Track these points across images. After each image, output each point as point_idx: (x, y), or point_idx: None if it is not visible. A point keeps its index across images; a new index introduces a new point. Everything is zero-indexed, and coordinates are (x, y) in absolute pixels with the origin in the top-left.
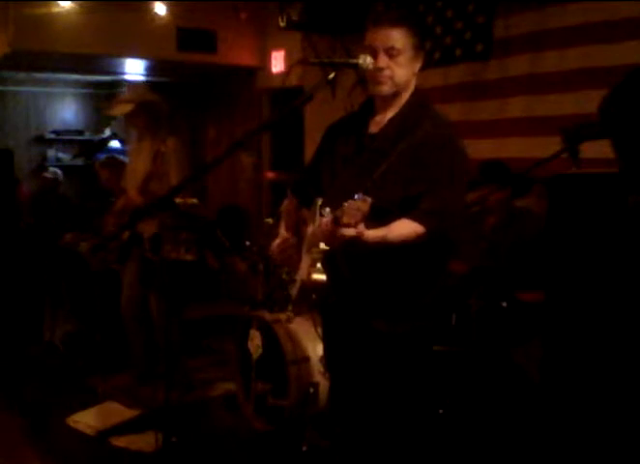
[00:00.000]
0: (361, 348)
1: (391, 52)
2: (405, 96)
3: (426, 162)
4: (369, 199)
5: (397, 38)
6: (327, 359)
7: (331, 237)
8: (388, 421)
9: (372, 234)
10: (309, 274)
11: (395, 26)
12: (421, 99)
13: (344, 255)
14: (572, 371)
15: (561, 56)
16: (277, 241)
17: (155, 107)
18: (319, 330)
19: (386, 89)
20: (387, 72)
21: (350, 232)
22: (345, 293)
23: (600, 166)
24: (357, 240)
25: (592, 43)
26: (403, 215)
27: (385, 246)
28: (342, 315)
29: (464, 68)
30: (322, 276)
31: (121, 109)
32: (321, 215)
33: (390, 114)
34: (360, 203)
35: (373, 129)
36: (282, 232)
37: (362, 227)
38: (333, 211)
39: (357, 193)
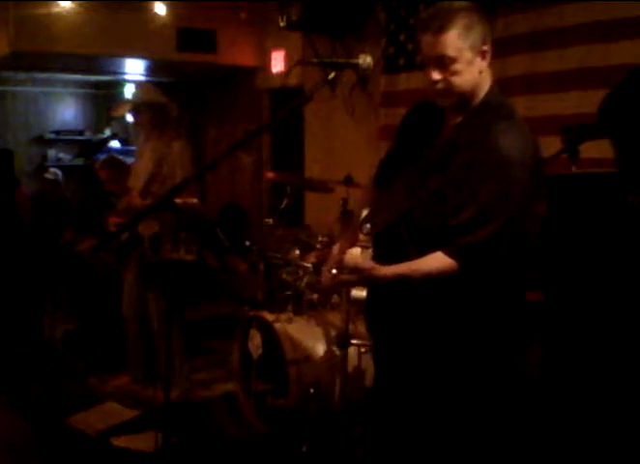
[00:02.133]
0: (410, 369)
1: (442, 61)
2: (477, 99)
3: (483, 183)
4: (368, 253)
5: (447, 44)
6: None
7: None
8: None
9: (391, 273)
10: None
11: (442, 31)
12: (497, 99)
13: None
14: (572, 371)
15: (560, 56)
16: (331, 264)
17: (162, 109)
18: (319, 329)
19: (448, 101)
20: (442, 85)
21: (351, 278)
22: (384, 320)
23: (600, 166)
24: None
25: (591, 42)
26: (441, 245)
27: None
28: (385, 335)
29: None
30: (363, 293)
31: (120, 110)
32: (360, 230)
33: (456, 120)
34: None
35: (437, 135)
36: (334, 252)
37: (372, 268)
38: (372, 228)
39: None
